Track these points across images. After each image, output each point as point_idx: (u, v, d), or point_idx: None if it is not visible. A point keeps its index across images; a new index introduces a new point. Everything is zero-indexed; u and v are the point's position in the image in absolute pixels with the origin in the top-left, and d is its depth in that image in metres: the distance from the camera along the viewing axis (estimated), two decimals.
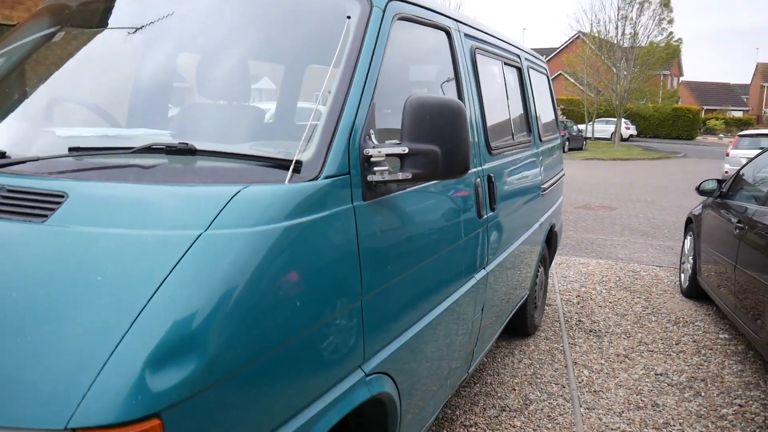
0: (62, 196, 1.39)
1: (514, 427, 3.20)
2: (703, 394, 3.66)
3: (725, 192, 4.99)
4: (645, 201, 12.12)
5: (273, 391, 1.35)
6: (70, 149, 1.61)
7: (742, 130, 14.80)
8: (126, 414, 1.03)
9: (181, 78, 2.24)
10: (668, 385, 3.77)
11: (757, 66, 61.53)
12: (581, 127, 32.39)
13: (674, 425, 3.29)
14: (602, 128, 36.38)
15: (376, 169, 1.68)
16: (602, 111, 36.32)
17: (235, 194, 1.37)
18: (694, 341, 4.51)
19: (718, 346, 4.41)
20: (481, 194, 2.59)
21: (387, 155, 1.67)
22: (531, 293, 4.19)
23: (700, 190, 5.32)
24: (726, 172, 12.91)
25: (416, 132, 1.66)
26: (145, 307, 1.13)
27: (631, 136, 38.10)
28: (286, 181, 1.49)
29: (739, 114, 54.60)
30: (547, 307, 5.15)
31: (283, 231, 1.37)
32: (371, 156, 1.67)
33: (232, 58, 2.06)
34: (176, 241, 1.26)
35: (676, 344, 4.45)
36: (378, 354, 1.79)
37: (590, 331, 4.67)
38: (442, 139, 1.66)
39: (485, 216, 2.65)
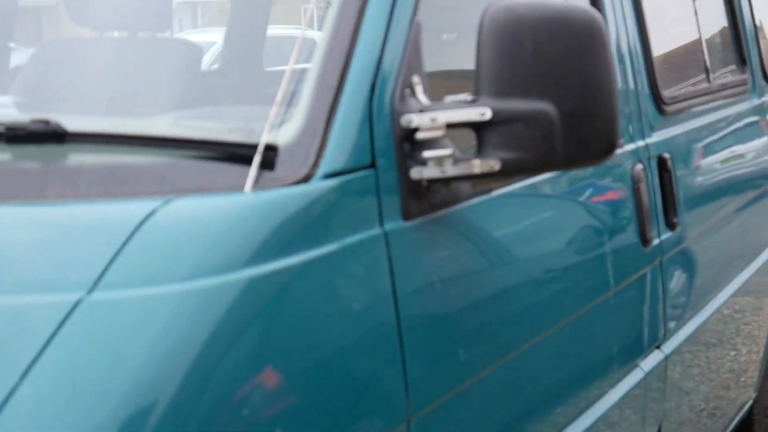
0: None
1: None
2: None
3: None
4: None
5: None
6: None
7: None
8: None
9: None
10: None
11: None
12: None
13: None
14: None
15: (428, 154, 1.67)
16: None
17: (146, 218, 1.39)
18: None
19: None
20: (645, 196, 2.58)
21: (449, 125, 1.67)
22: (759, 394, 4.15)
23: None
24: None
25: (507, 75, 1.66)
26: None
27: None
28: (247, 188, 1.50)
29: None
30: None
31: (241, 291, 1.38)
32: (417, 128, 1.67)
33: None
34: (30, 318, 1.29)
35: None
36: None
37: None
38: (560, 87, 1.67)
39: (656, 241, 2.65)
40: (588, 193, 2.33)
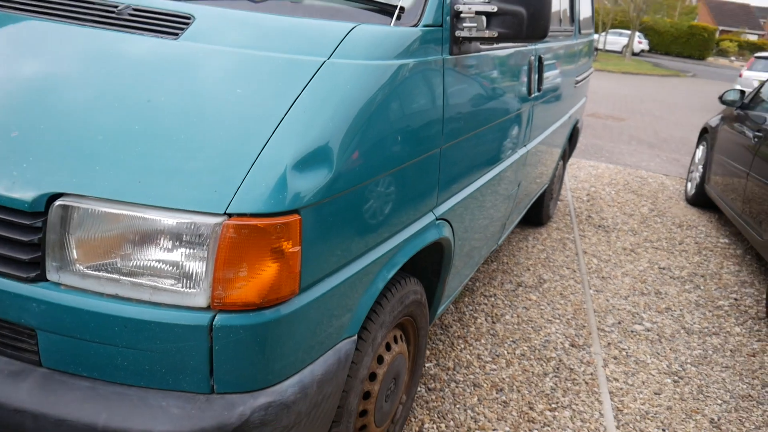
0: (189, 18, 1.47)
1: (529, 299, 3.46)
2: (702, 287, 3.93)
3: (746, 103, 5.08)
4: (653, 115, 12.13)
5: (374, 214, 1.49)
6: None
7: (756, 53, 14.97)
8: (274, 206, 1.17)
9: None
10: (670, 277, 4.04)
11: None
12: (594, 37, 31.45)
13: (675, 310, 3.57)
14: (614, 40, 35.43)
15: (464, 24, 1.75)
16: (617, 22, 35.31)
17: (352, 29, 1.47)
18: (696, 243, 4.76)
19: (719, 249, 4.67)
20: (533, 72, 2.67)
21: (476, 12, 1.74)
22: (550, 184, 4.35)
23: (722, 100, 5.41)
24: None
25: None
26: (283, 118, 1.25)
27: (642, 51, 37.18)
28: (391, 24, 1.58)
29: (754, 38, 53.28)
30: (558, 203, 5.34)
31: (392, 68, 1.47)
32: (461, 12, 1.74)
33: None
34: (304, 64, 1.36)
35: (679, 244, 4.69)
36: (445, 202, 1.94)
37: (599, 226, 4.90)
38: (528, 1, 1.73)
39: (533, 94, 2.74)
40: (517, 64, 2.41)
